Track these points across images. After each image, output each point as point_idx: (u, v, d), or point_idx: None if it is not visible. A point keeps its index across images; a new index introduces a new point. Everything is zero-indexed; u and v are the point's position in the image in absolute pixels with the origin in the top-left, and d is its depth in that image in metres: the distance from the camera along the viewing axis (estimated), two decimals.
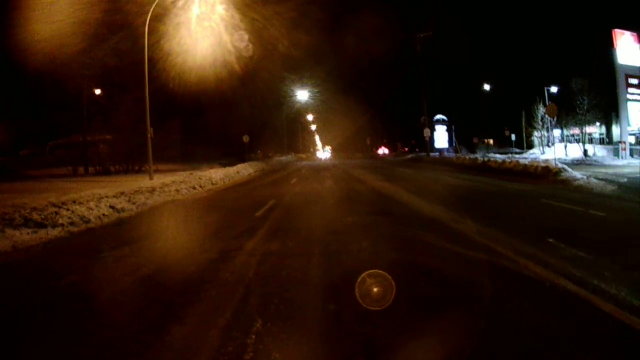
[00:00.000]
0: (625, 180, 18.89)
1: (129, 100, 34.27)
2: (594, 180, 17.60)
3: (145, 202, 14.23)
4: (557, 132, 53.21)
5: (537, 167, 21.30)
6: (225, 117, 43.70)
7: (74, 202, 11.84)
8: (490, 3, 67.04)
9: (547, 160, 25.23)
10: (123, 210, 12.74)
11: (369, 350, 3.61)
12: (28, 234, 9.33)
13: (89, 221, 11.02)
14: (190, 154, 47.88)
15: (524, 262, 5.93)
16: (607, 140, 45.73)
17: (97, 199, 12.77)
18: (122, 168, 37.91)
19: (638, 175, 20.78)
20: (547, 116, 48.76)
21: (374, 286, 5.01)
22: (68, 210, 11.11)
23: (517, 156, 46.12)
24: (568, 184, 17.61)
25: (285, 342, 3.76)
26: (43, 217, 10.33)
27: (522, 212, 11.24)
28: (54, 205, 11.08)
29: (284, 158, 60.81)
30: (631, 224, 9.46)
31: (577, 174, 19.04)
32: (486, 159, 29.95)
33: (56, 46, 22.03)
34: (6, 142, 48.07)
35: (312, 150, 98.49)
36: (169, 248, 8.07)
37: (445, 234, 8.02)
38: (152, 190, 15.98)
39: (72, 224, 10.53)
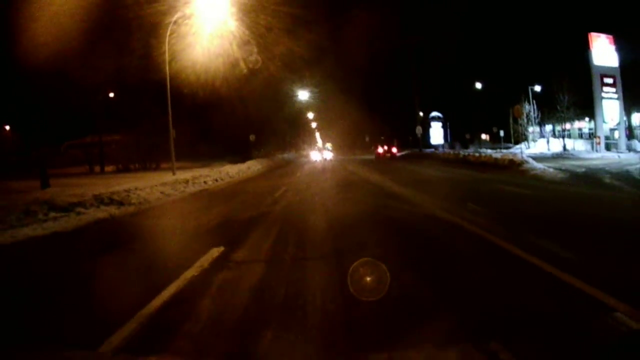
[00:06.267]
0: (583, 170, 21.77)
1: (144, 102, 37.25)
2: (550, 170, 20.75)
3: (184, 190, 18.10)
4: (548, 127, 56.88)
5: (504, 159, 25.11)
6: (229, 117, 45.48)
7: (136, 188, 15.79)
8: (479, 7, 70.31)
9: (514, 154, 29.07)
10: (170, 195, 16.62)
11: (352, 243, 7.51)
12: (116, 208, 13.25)
13: (150, 201, 14.94)
14: (197, 152, 50.82)
15: (440, 213, 9.86)
16: (594, 134, 49.41)
17: (148, 187, 16.67)
18: (141, 166, 40.98)
19: (600, 167, 23.52)
20: (531, 113, 52.85)
21: (350, 219, 8.95)
22: (134, 194, 15.06)
23: (505, 150, 49.73)
24: (526, 172, 20.93)
25: (303, 242, 7.66)
26: (120, 198, 14.26)
27: (468, 191, 14.99)
28: (125, 191, 15.03)
29: (286, 155, 63.89)
30: (539, 198, 13.00)
31: (537, 165, 22.43)
32: (466, 154, 33.98)
33: (73, 47, 22.24)
34: (18, 143, 49.05)
35: (314, 147, 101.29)
36: (225, 212, 11.91)
37: (405, 202, 12.02)
38: (186, 182, 19.81)
39: (140, 203, 14.44)
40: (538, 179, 18.66)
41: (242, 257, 6.62)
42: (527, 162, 23.20)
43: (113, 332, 3.92)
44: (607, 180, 16.77)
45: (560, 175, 19.39)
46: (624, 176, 18.13)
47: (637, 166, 21.71)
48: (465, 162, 30.19)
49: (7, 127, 53.57)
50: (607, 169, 22.05)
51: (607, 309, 4.00)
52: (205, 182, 21.20)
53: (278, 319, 4.22)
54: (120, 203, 13.90)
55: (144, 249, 7.71)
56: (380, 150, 61.80)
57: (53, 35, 18.60)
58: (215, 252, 6.71)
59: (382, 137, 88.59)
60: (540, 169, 21.40)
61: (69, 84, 26.36)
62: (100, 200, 13.61)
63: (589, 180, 17.40)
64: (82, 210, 12.56)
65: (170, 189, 17.32)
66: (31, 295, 5.33)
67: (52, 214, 11.81)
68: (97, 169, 41.51)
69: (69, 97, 28.70)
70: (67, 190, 16.37)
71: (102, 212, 12.56)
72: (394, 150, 58.89)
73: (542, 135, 55.85)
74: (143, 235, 9.26)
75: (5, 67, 20.74)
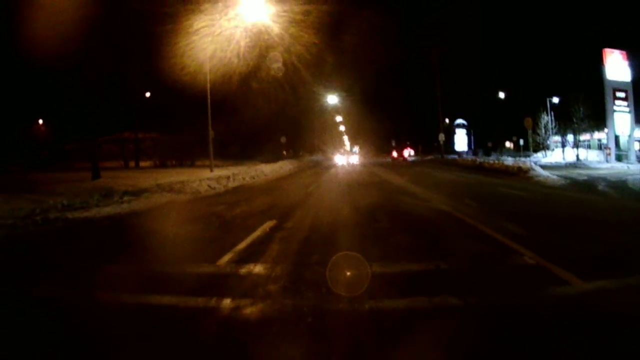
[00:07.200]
0: (585, 178, 23.44)
1: (180, 103, 39.45)
2: (554, 177, 22.49)
3: (226, 184, 20.84)
4: (570, 137, 58.73)
5: (514, 167, 27.44)
6: (259, 119, 46.92)
7: (188, 181, 18.65)
8: (502, 19, 72.07)
9: (524, 162, 31.36)
10: (215, 188, 19.36)
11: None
12: (175, 195, 16.07)
13: (200, 192, 17.73)
14: (228, 152, 52.67)
15: (439, 205, 12.41)
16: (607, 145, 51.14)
17: (197, 181, 19.49)
18: (177, 162, 43.66)
19: (602, 176, 24.74)
20: (549, 124, 55.03)
21: (368, 206, 11.56)
22: (187, 185, 17.90)
23: (523, 158, 51.73)
24: (531, 179, 22.81)
25: (334, 218, 10.25)
26: (177, 188, 17.12)
27: (471, 191, 17.37)
28: (180, 182, 17.91)
29: (314, 157, 66.26)
30: (529, 199, 15.23)
31: (542, 172, 24.39)
32: (482, 161, 36.42)
33: (113, 49, 24.22)
34: (49, 137, 52.35)
35: (341, 150, 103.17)
36: (269, 201, 14.57)
37: (414, 197, 14.63)
38: (227, 178, 22.57)
39: (192, 192, 17.27)
40: (539, 185, 20.41)
41: (291, 225, 9.40)
42: (533, 169, 25.34)
43: (220, 257, 6.63)
44: (600, 188, 18.38)
45: (561, 182, 21.05)
46: (618, 185, 19.64)
47: (637, 176, 23.08)
48: (480, 168, 32.62)
49: (40, 121, 55.27)
50: (608, 178, 23.39)
51: (520, 254, 6.59)
52: (243, 179, 23.99)
53: (320, 251, 6.94)
54: (178, 192, 16.76)
55: (215, 221, 10.50)
56: (395, 154, 75.69)
57: (92, 40, 20.58)
58: (271, 223, 9.49)
59: (408, 142, 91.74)
60: (544, 176, 23.35)
61: (107, 82, 27.85)
62: (162, 189, 16.52)
63: (585, 187, 19.07)
64: (149, 195, 15.44)
65: (215, 183, 20.09)
66: (155, 242, 8.09)
67: (126, 197, 14.68)
68: (132, 164, 44.36)
69: (105, 95, 29.71)
70: (117, 181, 19.30)
71: (165, 198, 15.41)
72: (405, 154, 75.48)
73: (563, 145, 57.74)
74: (209, 213, 12.00)
75: (43, 63, 22.39)
